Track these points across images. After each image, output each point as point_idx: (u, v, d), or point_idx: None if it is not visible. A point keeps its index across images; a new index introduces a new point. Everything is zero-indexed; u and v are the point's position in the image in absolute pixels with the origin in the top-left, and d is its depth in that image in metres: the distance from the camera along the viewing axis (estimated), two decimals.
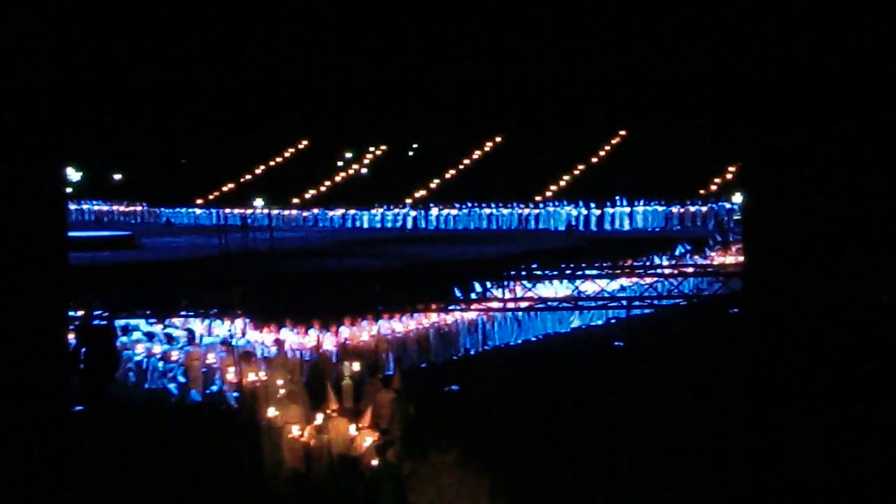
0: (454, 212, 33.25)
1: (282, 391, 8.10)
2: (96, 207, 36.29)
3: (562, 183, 34.29)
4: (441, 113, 7.35)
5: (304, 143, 38.36)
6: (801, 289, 6.84)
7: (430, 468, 6.79)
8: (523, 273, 13.26)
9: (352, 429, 7.65)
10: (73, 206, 33.95)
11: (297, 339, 9.78)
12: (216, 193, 36.59)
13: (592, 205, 31.35)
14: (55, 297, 7.17)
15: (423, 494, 6.71)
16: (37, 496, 7.03)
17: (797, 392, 6.87)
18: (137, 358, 12.33)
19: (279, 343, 9.29)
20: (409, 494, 6.76)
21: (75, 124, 7.23)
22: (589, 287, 12.98)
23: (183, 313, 9.73)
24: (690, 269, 15.04)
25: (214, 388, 10.20)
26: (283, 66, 6.99)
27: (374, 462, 7.06)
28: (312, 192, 37.12)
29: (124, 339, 11.69)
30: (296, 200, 36.53)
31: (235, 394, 8.34)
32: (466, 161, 37.07)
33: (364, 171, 38.69)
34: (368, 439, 7.54)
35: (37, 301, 7.08)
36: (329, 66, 6.98)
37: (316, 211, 35.45)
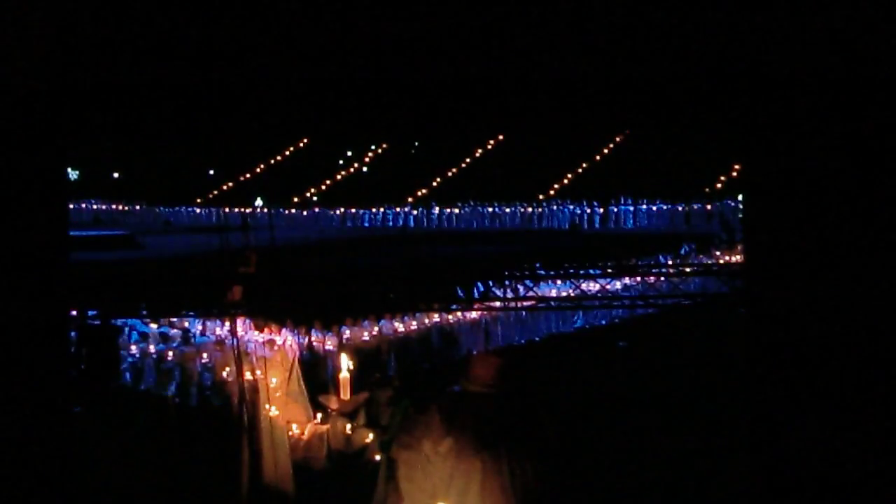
0: (456, 210, 33.28)
1: (278, 392, 8.08)
2: (94, 206, 36.37)
3: (565, 181, 34.36)
4: (440, 112, 7.28)
5: (305, 141, 38.49)
6: (802, 287, 6.76)
7: (423, 458, 6.85)
8: (526, 273, 13.22)
9: (348, 427, 7.74)
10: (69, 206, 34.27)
11: (296, 339, 9.70)
12: (215, 192, 36.76)
13: (596, 203, 31.36)
14: (56, 298, 7.02)
15: (414, 483, 6.83)
16: (37, 496, 6.89)
17: (799, 392, 6.78)
18: (132, 358, 12.36)
19: (273, 343, 9.21)
20: (401, 483, 6.83)
21: (77, 123, 7.14)
22: (592, 286, 12.90)
23: (183, 313, 9.78)
24: (695, 268, 14.95)
25: (208, 387, 10.22)
26: (284, 65, 6.92)
27: (377, 457, 7.14)
28: (313, 190, 37.31)
29: (121, 338, 11.66)
30: (296, 199, 36.75)
31: (210, 395, 8.27)
32: (468, 159, 37.19)
33: (365, 169, 38.82)
34: (370, 436, 7.65)
35: (38, 301, 6.94)
36: (329, 65, 6.91)
37: (317, 210, 35.55)
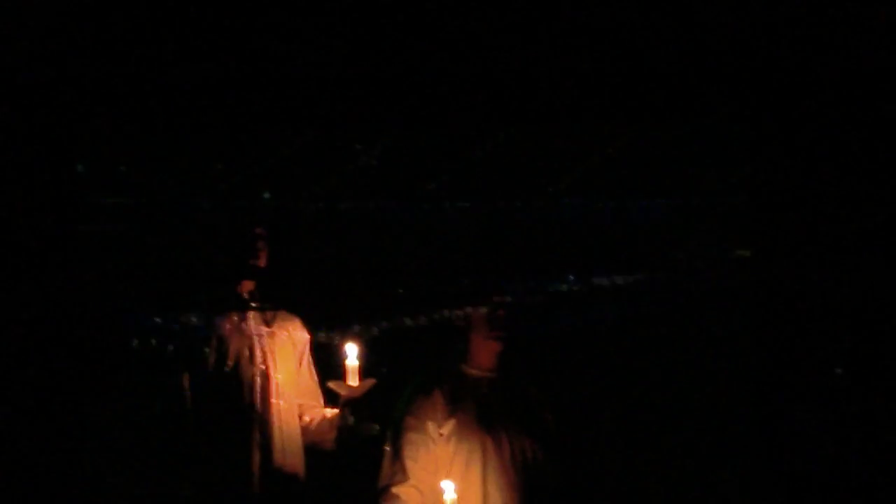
0: (468, 204, 33.28)
1: (287, 388, 8.12)
2: (101, 200, 36.36)
3: (576, 175, 34.30)
4: (448, 106, 7.38)
5: (313, 134, 38.51)
6: (803, 283, 6.85)
7: (427, 439, 7.21)
8: (533, 267, 13.24)
9: (351, 419, 7.88)
10: None
11: (305, 329, 9.61)
12: (223, 186, 36.78)
13: (607, 197, 31.27)
14: (65, 292, 7.17)
15: (418, 462, 7.16)
16: (40, 495, 7.05)
17: (800, 388, 6.89)
18: (136, 352, 12.31)
19: (277, 335, 9.15)
20: (406, 462, 7.18)
21: (87, 119, 7.20)
22: (599, 283, 12.93)
23: (191, 307, 9.76)
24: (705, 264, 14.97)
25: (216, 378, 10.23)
26: (291, 58, 6.99)
27: (386, 447, 7.42)
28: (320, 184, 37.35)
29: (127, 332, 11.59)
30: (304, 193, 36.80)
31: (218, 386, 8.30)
32: (477, 153, 37.21)
33: (374, 162, 38.85)
34: (376, 427, 7.80)
35: (46, 294, 7.07)
36: (336, 59, 7.00)
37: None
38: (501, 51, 7.00)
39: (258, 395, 7.70)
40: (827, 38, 6.74)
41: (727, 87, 6.98)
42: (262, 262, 7.90)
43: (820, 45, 6.75)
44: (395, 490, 7.15)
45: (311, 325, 8.23)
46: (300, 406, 7.92)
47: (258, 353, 7.83)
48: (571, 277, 12.39)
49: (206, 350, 7.85)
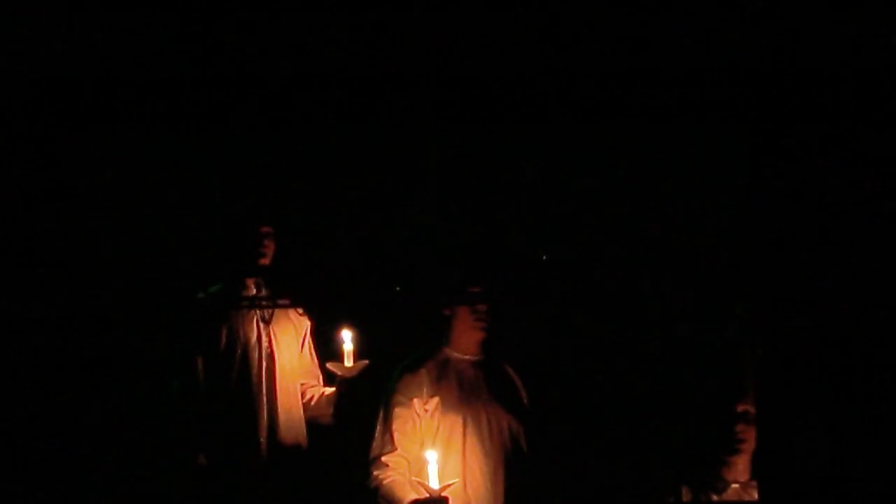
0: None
1: (288, 371, 8.35)
2: None
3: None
4: (447, 109, 7.57)
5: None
6: (802, 284, 6.97)
7: (413, 414, 7.56)
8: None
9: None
10: None
11: (307, 316, 9.53)
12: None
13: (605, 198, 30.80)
14: (68, 292, 7.50)
15: (405, 435, 7.54)
16: (44, 494, 7.44)
17: (800, 391, 6.99)
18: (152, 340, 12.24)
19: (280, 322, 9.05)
20: (395, 435, 7.56)
21: (86, 120, 7.38)
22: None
23: (202, 303, 9.34)
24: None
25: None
26: (284, 62, 7.20)
27: (378, 422, 7.83)
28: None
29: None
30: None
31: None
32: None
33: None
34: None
35: (49, 295, 7.38)
36: (333, 62, 7.24)
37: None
38: (500, 51, 7.17)
39: (264, 375, 8.14)
40: (826, 38, 6.84)
41: (727, 87, 7.05)
42: (268, 260, 8.24)
43: (819, 44, 6.85)
44: (384, 459, 7.67)
45: (312, 314, 8.57)
46: (301, 385, 8.39)
47: (264, 338, 8.24)
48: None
49: (218, 335, 8.14)
